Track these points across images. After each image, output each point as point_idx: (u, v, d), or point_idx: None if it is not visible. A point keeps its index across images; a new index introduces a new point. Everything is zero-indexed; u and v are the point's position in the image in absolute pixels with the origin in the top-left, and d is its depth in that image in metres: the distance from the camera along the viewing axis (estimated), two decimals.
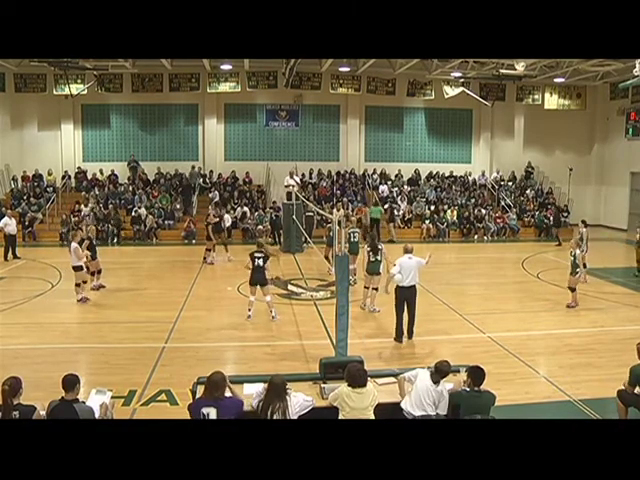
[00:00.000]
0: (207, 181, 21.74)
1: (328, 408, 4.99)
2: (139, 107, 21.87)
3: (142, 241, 19.04)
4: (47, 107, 20.94)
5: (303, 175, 21.82)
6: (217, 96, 21.66)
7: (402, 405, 5.17)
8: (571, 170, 22.14)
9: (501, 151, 24.10)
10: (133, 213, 19.57)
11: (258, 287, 9.76)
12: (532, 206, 22.35)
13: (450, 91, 21.74)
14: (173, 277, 13.66)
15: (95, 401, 4.90)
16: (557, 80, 21.25)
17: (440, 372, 5.16)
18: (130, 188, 21.03)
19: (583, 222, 15.39)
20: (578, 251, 10.73)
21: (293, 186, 17.82)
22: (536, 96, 22.64)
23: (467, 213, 21.05)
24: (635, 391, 5.68)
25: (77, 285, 10.90)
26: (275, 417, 4.59)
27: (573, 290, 10.85)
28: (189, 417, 4.79)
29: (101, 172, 21.57)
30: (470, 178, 23.43)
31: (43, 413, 4.55)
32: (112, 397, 5.26)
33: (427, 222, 20.57)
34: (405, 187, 22.52)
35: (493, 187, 23.13)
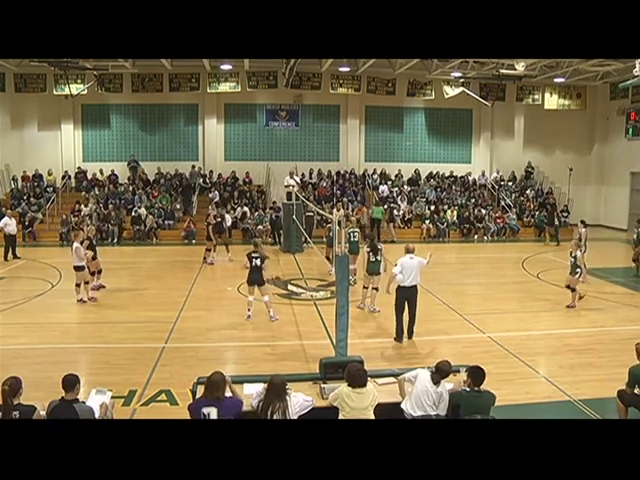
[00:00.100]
0: (207, 181, 21.75)
1: (328, 408, 4.99)
2: (139, 107, 21.88)
3: (142, 241, 19.05)
4: (47, 107, 20.94)
5: (303, 175, 21.82)
6: (217, 96, 21.66)
7: (402, 406, 5.17)
8: (571, 170, 22.14)
9: (501, 151, 24.10)
10: (133, 213, 19.56)
11: (256, 287, 9.76)
12: (532, 206, 22.35)
13: (450, 91, 21.74)
14: (173, 277, 13.66)
15: (95, 401, 4.89)
16: (557, 80, 21.25)
17: (441, 372, 5.16)
18: (130, 188, 21.03)
19: (582, 222, 15.40)
20: (579, 253, 10.72)
21: (293, 186, 17.81)
22: (536, 96, 22.64)
23: (467, 213, 21.05)
24: (635, 391, 5.69)
25: (77, 285, 10.90)
26: (275, 417, 4.60)
27: (573, 290, 10.86)
28: (189, 417, 4.79)
29: (101, 172, 21.57)
30: (470, 178, 23.43)
31: (43, 413, 4.55)
32: (112, 397, 5.26)
33: (427, 222, 20.57)
34: (405, 187, 22.52)
35: (493, 187, 23.13)
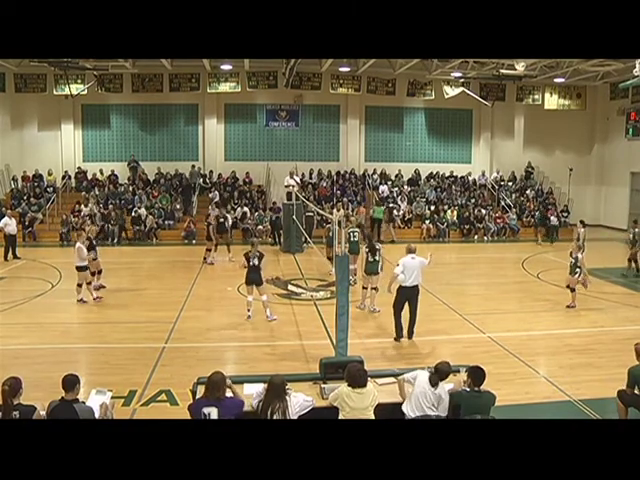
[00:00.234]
0: (207, 181, 21.75)
1: (328, 408, 4.99)
2: (139, 107, 21.87)
3: (142, 241, 19.05)
4: (47, 107, 20.93)
5: (303, 175, 21.82)
6: (217, 96, 21.66)
7: (403, 408, 5.15)
8: (571, 170, 22.14)
9: (501, 151, 24.10)
10: (133, 213, 19.56)
11: (254, 287, 9.77)
12: (532, 206, 22.34)
13: (450, 91, 21.74)
14: (173, 277, 13.66)
15: (95, 401, 4.89)
16: (557, 80, 21.25)
17: (440, 373, 5.14)
18: (130, 188, 21.03)
19: (581, 222, 15.42)
20: (580, 255, 10.71)
21: (293, 186, 17.81)
22: (536, 96, 22.63)
23: (467, 213, 21.04)
24: (635, 392, 5.68)
25: (79, 285, 10.89)
26: (275, 417, 4.59)
27: (573, 290, 10.86)
28: (189, 417, 4.79)
29: (101, 172, 21.57)
30: (470, 178, 23.43)
31: (43, 413, 4.55)
32: (112, 397, 5.26)
33: (427, 222, 20.57)
34: (405, 187, 22.52)
35: (493, 187, 23.13)
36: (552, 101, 22.79)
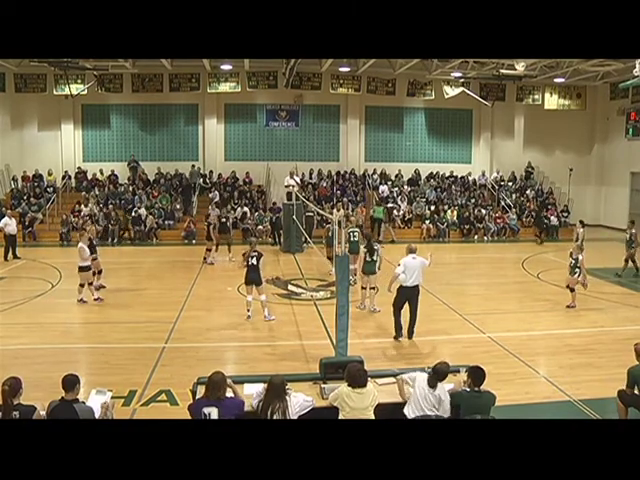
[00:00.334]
0: (207, 181, 21.75)
1: (328, 408, 4.99)
2: (139, 107, 21.87)
3: (142, 241, 19.05)
4: (47, 107, 20.94)
5: (303, 175, 21.82)
6: (217, 96, 21.66)
7: (405, 412, 5.13)
8: (571, 170, 22.15)
9: (501, 151, 24.10)
10: (133, 213, 19.56)
11: (254, 287, 9.76)
12: (532, 206, 22.34)
13: (450, 91, 21.74)
14: (173, 277, 13.66)
15: (95, 401, 4.89)
16: (557, 80, 21.25)
17: (438, 374, 5.12)
18: (130, 188, 21.02)
19: (581, 222, 15.43)
20: (580, 256, 10.70)
21: (293, 186, 17.81)
22: (536, 96, 22.64)
23: (467, 213, 21.05)
24: (635, 392, 5.69)
25: (81, 285, 10.89)
26: (275, 417, 4.59)
27: (572, 290, 10.86)
28: (189, 417, 4.79)
29: (101, 172, 21.57)
30: (470, 178, 23.42)
31: (43, 413, 4.55)
32: (112, 397, 5.25)
33: (427, 222, 20.57)
34: (405, 187, 22.52)
35: (493, 187, 23.13)
36: (552, 101, 22.79)
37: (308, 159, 22.77)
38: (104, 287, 11.95)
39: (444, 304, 11.09)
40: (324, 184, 22.04)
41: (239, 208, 20.27)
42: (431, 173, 23.40)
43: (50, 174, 21.21)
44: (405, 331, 8.92)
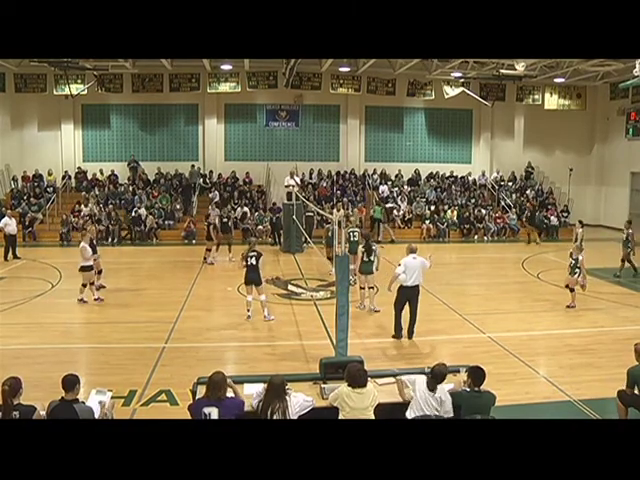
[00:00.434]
0: (207, 181, 21.75)
1: (328, 408, 4.98)
2: (139, 107, 21.87)
3: (142, 241, 19.05)
4: (47, 107, 20.93)
5: (303, 175, 21.82)
6: (217, 96, 21.66)
7: (407, 416, 5.13)
8: (571, 170, 22.15)
9: (501, 151, 24.10)
10: (133, 213, 19.56)
11: (253, 286, 9.77)
12: (532, 206, 22.32)
13: (450, 91, 21.74)
14: (173, 277, 13.66)
15: (95, 401, 4.89)
16: (557, 80, 21.24)
17: (437, 377, 5.09)
18: (130, 188, 21.02)
19: (580, 222, 15.42)
20: (580, 256, 10.70)
21: (293, 186, 17.81)
22: (536, 96, 22.63)
23: (467, 213, 21.04)
24: (635, 392, 5.69)
25: (84, 286, 10.89)
26: (275, 417, 4.59)
27: (572, 290, 10.86)
28: (189, 417, 4.79)
29: (101, 172, 21.57)
30: (470, 178, 23.42)
31: (43, 413, 4.55)
32: (112, 397, 5.26)
33: (427, 222, 20.57)
34: (405, 187, 22.52)
35: (493, 187, 23.12)
36: (552, 101, 22.78)
37: (308, 159, 22.76)
38: (104, 287, 11.95)
39: (444, 304, 11.09)
40: (324, 184, 22.04)
41: (239, 208, 20.28)
42: (431, 173, 23.39)
43: (50, 174, 21.20)
44: (405, 331, 8.93)
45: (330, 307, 8.32)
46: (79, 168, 21.60)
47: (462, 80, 21.47)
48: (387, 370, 6.28)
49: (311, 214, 18.35)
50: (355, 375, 4.93)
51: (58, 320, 9.84)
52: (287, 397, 4.72)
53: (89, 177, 21.50)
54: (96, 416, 4.66)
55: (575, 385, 7.14)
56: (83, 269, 10.80)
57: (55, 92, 20.24)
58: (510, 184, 23.62)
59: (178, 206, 20.73)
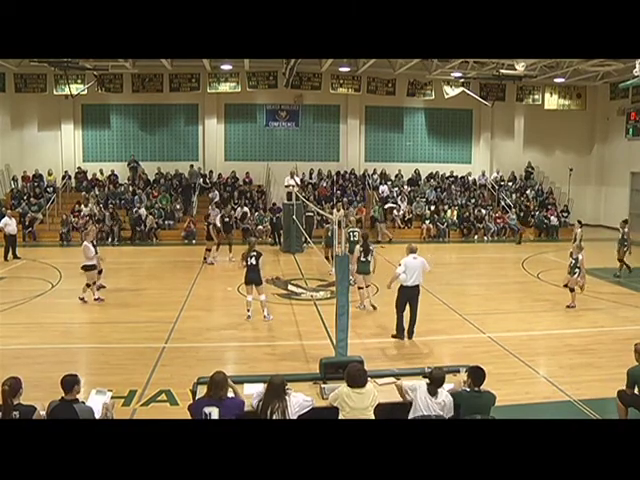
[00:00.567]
0: (207, 181, 21.75)
1: (328, 408, 4.98)
2: (139, 107, 21.87)
3: (142, 241, 19.05)
4: (47, 107, 20.93)
5: (303, 175, 21.82)
6: (217, 96, 21.66)
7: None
8: (571, 170, 22.15)
9: (501, 151, 24.10)
10: (133, 213, 19.57)
11: (253, 286, 9.76)
12: (532, 206, 22.34)
13: (450, 91, 21.74)
14: (173, 277, 13.66)
15: (95, 401, 4.90)
16: (557, 80, 21.25)
17: (435, 382, 5.07)
18: (130, 188, 21.02)
19: (579, 222, 15.43)
20: (580, 256, 10.71)
21: (293, 186, 17.82)
22: (536, 96, 22.63)
23: (467, 213, 21.05)
24: (635, 392, 5.69)
25: (87, 285, 10.87)
26: (275, 417, 4.59)
27: (572, 290, 10.86)
28: (189, 417, 4.79)
29: (101, 172, 21.57)
30: (470, 178, 23.42)
31: (43, 413, 4.55)
32: (112, 397, 5.26)
33: (427, 222, 20.58)
34: (405, 187, 22.52)
35: (493, 187, 23.13)
36: (552, 101, 22.79)
37: (308, 159, 22.76)
38: (104, 287, 11.94)
39: (444, 304, 11.09)
40: (324, 184, 22.04)
41: (239, 208, 20.27)
42: (431, 173, 23.39)
43: (50, 174, 21.21)
44: (405, 331, 8.93)
45: (330, 307, 8.32)
46: (79, 168, 21.60)
47: (462, 80, 21.47)
48: (387, 370, 6.28)
49: (311, 214, 18.36)
50: (355, 375, 4.93)
51: (58, 320, 9.84)
52: (287, 397, 4.72)
53: (89, 177, 21.50)
54: (96, 416, 4.66)
55: (575, 385, 7.14)
56: (86, 268, 10.79)
57: (55, 92, 20.25)
58: (510, 184, 23.62)
59: (178, 206, 20.73)
